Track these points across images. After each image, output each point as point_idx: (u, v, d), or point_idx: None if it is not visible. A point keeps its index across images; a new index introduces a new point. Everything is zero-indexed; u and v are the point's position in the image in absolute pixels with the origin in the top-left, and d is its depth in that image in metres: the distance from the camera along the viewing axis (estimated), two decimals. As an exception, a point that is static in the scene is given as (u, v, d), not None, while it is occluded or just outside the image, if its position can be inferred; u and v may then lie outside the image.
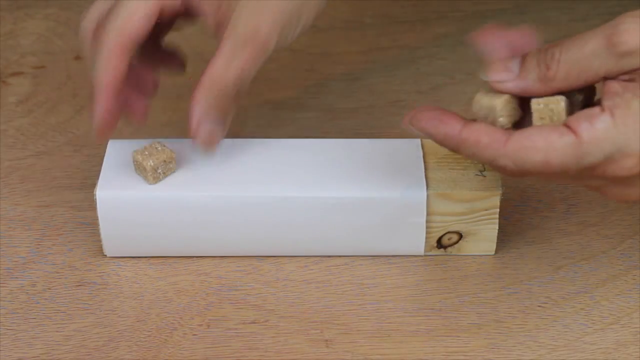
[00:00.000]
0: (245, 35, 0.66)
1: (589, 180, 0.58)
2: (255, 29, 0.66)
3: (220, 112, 0.67)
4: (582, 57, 0.57)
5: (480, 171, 0.67)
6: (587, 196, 0.73)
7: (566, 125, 0.56)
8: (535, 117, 0.58)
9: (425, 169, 0.68)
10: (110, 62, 0.67)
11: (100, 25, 0.68)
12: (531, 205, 0.73)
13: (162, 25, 0.71)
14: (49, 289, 0.68)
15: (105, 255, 0.69)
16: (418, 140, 0.70)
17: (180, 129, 0.69)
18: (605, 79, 0.57)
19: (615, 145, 0.55)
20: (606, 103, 0.56)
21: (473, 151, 0.58)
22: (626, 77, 0.56)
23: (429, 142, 0.68)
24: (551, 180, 0.61)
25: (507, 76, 0.59)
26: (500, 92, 0.59)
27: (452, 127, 0.59)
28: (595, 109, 0.56)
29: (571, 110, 0.58)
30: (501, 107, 0.58)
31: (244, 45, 0.66)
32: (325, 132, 0.79)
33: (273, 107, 0.82)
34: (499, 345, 0.64)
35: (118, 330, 0.65)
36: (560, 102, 0.57)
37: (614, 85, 0.56)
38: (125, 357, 0.63)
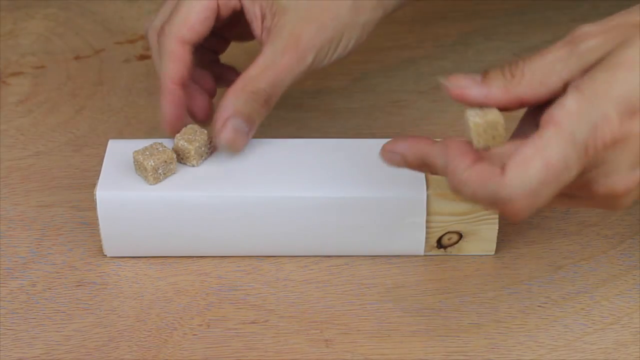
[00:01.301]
0: (285, 44, 0.68)
1: (594, 182, 0.58)
2: (296, 40, 0.68)
3: (249, 115, 0.68)
4: (545, 63, 0.58)
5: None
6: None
7: (542, 123, 0.56)
8: (473, 132, 0.58)
9: (425, 169, 0.68)
10: (172, 57, 0.69)
11: (163, 26, 0.70)
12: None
13: (219, 36, 0.74)
14: (49, 289, 0.68)
15: (105, 255, 0.70)
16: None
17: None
18: (568, 84, 0.57)
19: (594, 112, 0.55)
20: (570, 87, 0.56)
21: (474, 189, 0.57)
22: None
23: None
24: (564, 202, 0.59)
25: (470, 83, 0.59)
26: (463, 102, 0.59)
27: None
28: (562, 96, 0.56)
29: None
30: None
31: (282, 53, 0.68)
32: (325, 132, 0.79)
33: (273, 107, 0.81)
34: (499, 345, 0.64)
35: (118, 330, 0.65)
36: (494, 110, 0.58)
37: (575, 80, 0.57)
38: (125, 357, 0.63)
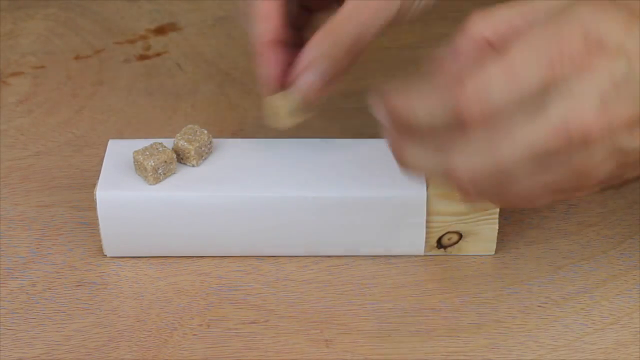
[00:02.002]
0: None
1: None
2: None
3: (332, 60, 0.65)
4: None
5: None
6: (587, 196, 0.73)
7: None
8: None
9: (425, 169, 0.68)
10: (260, 15, 0.66)
11: None
12: (531, 205, 0.73)
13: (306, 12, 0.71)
14: (49, 289, 0.68)
15: (105, 255, 0.70)
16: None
17: (180, 129, 0.69)
18: None
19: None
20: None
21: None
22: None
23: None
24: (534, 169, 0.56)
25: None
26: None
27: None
28: None
29: None
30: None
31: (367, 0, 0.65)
32: (325, 132, 0.79)
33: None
34: (499, 345, 0.64)
35: (118, 330, 0.65)
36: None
37: None
38: (125, 357, 0.63)
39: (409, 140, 0.57)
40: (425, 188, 0.67)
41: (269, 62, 0.67)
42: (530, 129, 0.53)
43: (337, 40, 0.65)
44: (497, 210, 0.67)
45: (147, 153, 0.67)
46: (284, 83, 0.67)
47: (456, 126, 0.54)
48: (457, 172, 0.54)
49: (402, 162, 0.58)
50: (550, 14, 0.55)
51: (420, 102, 0.55)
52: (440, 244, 0.69)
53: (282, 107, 0.67)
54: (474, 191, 0.55)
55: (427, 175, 0.60)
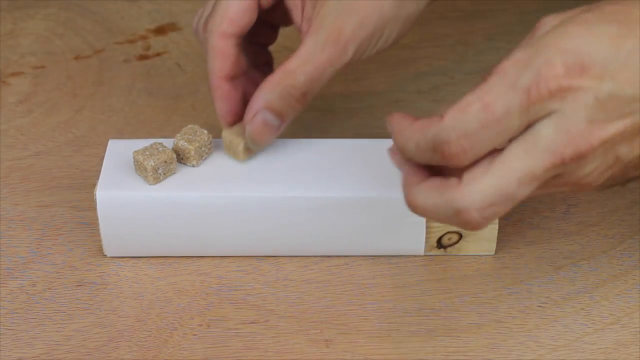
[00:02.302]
0: (326, 37, 0.66)
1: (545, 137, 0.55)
2: (338, 32, 0.66)
3: (282, 108, 0.66)
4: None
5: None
6: (587, 196, 0.73)
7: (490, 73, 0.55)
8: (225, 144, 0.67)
9: (425, 169, 0.68)
10: (216, 52, 0.68)
11: (206, 22, 0.69)
12: (531, 205, 0.73)
13: (268, 25, 0.72)
14: (49, 289, 0.68)
15: (105, 255, 0.70)
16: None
17: (180, 129, 0.69)
18: None
19: (539, 59, 0.54)
20: (521, 43, 0.56)
21: (417, 139, 0.56)
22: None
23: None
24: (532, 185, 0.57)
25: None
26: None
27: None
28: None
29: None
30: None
31: (323, 47, 0.66)
32: (325, 132, 0.79)
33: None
34: (499, 345, 0.64)
35: (118, 330, 0.65)
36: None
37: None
38: (125, 357, 0.63)
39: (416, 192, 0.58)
40: (425, 188, 0.67)
41: (222, 98, 0.69)
42: (524, 155, 0.55)
43: (289, 90, 0.66)
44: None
45: (147, 153, 0.67)
46: (235, 117, 0.69)
47: (440, 157, 0.56)
48: (469, 213, 0.56)
49: (412, 206, 0.59)
50: (533, 40, 0.55)
51: (408, 134, 0.57)
52: (440, 244, 0.69)
53: (237, 143, 0.68)
54: (484, 222, 0.57)
55: (436, 219, 0.61)
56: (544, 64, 0.54)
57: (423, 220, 0.67)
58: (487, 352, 0.64)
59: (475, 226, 0.56)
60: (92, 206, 0.68)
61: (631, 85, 0.54)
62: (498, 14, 0.91)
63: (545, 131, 0.54)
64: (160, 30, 0.90)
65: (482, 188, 0.55)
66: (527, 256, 0.70)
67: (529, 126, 0.55)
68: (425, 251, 0.69)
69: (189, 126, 0.69)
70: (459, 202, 0.56)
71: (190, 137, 0.68)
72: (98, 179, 0.68)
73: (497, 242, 0.69)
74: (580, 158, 0.55)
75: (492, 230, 0.68)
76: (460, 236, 0.69)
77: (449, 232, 0.68)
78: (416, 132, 0.56)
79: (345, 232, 0.68)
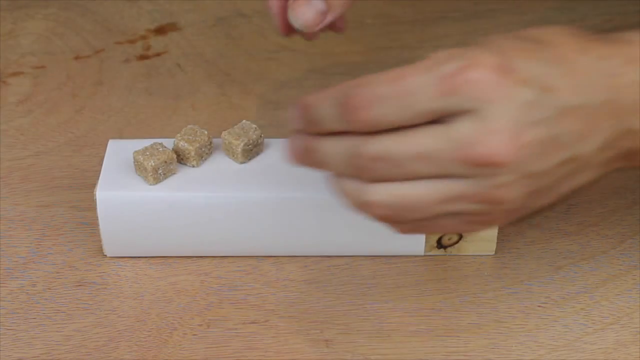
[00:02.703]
0: None
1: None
2: None
3: None
4: None
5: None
6: (587, 196, 0.73)
7: None
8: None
9: (425, 169, 0.68)
10: None
11: None
12: (531, 205, 0.73)
13: None
14: (49, 289, 0.68)
15: (105, 255, 0.70)
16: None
17: (180, 129, 0.69)
18: None
19: (466, 54, 0.54)
20: None
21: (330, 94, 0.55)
22: None
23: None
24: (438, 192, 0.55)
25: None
26: None
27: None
28: None
29: None
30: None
31: None
32: (325, 132, 0.79)
33: (273, 107, 0.82)
34: (499, 345, 0.64)
35: (118, 330, 0.65)
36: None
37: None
38: (125, 357, 0.63)
39: (320, 140, 0.56)
40: (425, 188, 0.67)
41: (272, 7, 0.70)
42: (432, 137, 0.53)
43: None
44: (497, 210, 0.67)
45: (147, 153, 0.67)
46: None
47: (344, 111, 0.54)
48: (365, 155, 0.54)
49: (312, 162, 0.57)
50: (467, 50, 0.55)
51: (323, 99, 0.55)
52: (440, 244, 0.69)
53: (236, 145, 0.68)
54: (374, 171, 0.55)
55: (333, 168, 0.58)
56: (472, 58, 0.53)
57: (423, 220, 0.67)
58: (487, 352, 0.64)
59: (366, 172, 0.54)
60: (92, 206, 0.68)
61: (571, 94, 0.53)
62: (498, 14, 0.91)
63: (461, 126, 0.53)
64: (160, 30, 0.90)
65: (382, 140, 0.54)
66: (527, 256, 0.70)
67: (445, 118, 0.53)
68: (425, 251, 0.69)
69: (189, 126, 0.69)
70: (358, 145, 0.54)
71: (191, 137, 0.68)
72: (98, 179, 0.68)
73: (497, 242, 0.69)
74: (494, 164, 0.53)
75: (492, 230, 0.68)
76: (460, 236, 0.69)
77: (449, 232, 0.68)
78: (331, 90, 0.55)
79: (345, 232, 0.68)
